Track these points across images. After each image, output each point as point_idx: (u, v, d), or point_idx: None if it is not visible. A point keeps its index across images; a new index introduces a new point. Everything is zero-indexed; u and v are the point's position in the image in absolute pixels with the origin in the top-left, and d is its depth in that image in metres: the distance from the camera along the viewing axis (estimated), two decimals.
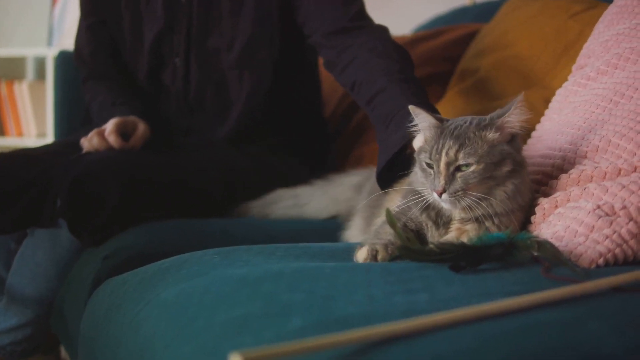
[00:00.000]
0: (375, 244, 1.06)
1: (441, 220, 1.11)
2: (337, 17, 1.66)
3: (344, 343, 0.65)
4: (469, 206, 1.05)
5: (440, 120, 1.10)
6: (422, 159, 1.09)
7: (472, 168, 1.04)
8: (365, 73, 1.52)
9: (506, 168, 1.06)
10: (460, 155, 1.04)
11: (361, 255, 1.06)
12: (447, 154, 1.05)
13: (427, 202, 1.09)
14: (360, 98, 1.52)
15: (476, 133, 1.06)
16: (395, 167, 1.30)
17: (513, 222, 1.08)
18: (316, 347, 0.63)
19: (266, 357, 0.60)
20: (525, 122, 1.06)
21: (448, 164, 1.05)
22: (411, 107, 1.12)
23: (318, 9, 1.70)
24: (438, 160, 1.06)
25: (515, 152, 1.08)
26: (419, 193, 1.10)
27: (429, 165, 1.08)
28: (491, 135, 1.06)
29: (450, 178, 1.05)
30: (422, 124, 1.12)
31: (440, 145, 1.06)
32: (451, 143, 1.05)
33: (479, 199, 1.04)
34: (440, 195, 1.05)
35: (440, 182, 1.05)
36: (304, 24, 1.74)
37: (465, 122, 1.08)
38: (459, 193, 1.04)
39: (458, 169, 1.05)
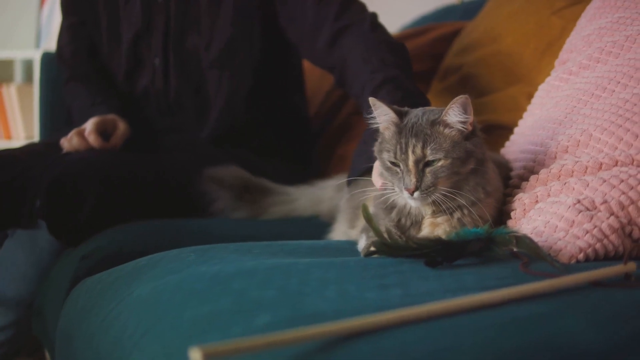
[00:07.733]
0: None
1: (407, 220, 1.09)
2: (321, 18, 1.64)
3: (308, 338, 0.63)
4: (437, 200, 1.04)
5: (400, 114, 1.07)
6: (385, 158, 1.07)
7: (440, 163, 1.03)
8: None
9: (470, 166, 1.05)
10: (428, 151, 1.03)
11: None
12: (413, 152, 1.03)
13: (390, 199, 1.08)
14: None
15: (432, 129, 1.04)
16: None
17: (483, 210, 1.07)
18: (280, 342, 0.61)
19: (226, 352, 0.58)
20: (469, 122, 1.04)
21: (417, 162, 1.03)
22: (370, 99, 1.09)
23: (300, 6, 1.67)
24: (405, 160, 1.04)
25: (477, 148, 1.06)
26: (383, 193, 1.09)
27: (394, 164, 1.06)
28: (446, 130, 1.04)
29: (421, 175, 1.03)
30: (381, 117, 1.09)
31: (403, 145, 1.04)
32: (414, 141, 1.03)
33: (447, 193, 1.03)
34: (412, 193, 1.03)
35: (412, 180, 1.03)
36: (287, 28, 1.71)
37: (418, 119, 1.05)
38: (431, 189, 1.03)
39: (427, 164, 1.03)
